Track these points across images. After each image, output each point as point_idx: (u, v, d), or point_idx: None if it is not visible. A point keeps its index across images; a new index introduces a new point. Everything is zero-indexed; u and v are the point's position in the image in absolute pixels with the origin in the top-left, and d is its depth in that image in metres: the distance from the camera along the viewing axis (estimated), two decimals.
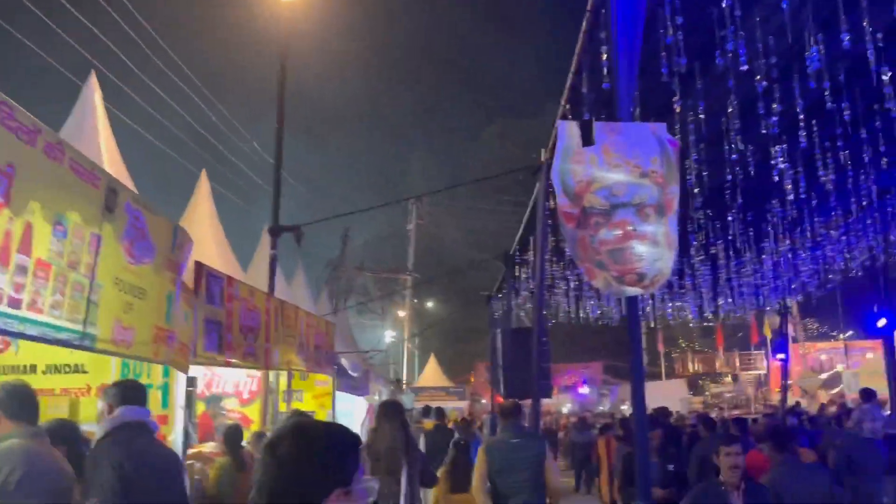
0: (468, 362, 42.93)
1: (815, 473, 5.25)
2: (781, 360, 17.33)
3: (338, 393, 11.54)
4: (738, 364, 35.38)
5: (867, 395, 10.17)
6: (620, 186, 3.93)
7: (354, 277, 24.59)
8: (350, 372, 11.57)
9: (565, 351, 44.87)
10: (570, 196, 3.86)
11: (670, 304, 18.01)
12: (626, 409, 34.16)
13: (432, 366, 34.80)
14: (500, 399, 12.32)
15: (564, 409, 40.65)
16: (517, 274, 13.30)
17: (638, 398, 4.38)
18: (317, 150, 47.01)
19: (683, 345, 40.91)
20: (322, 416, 10.80)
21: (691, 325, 42.49)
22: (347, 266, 24.11)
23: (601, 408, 40.48)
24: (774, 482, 4.73)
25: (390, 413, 5.91)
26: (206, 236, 8.97)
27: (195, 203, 9.39)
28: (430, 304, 32.62)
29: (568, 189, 3.85)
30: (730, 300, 17.25)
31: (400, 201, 16.03)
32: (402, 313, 28.82)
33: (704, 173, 7.02)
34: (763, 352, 34.09)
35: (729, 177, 6.96)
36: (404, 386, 24.13)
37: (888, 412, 11.65)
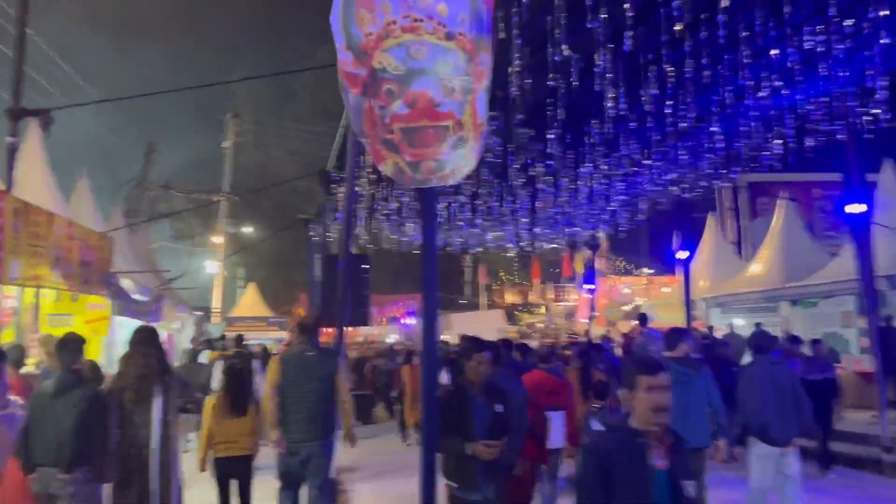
0: (294, 294, 41.50)
1: None
2: (589, 290, 18.04)
3: (121, 319, 10.13)
4: (551, 296, 37.24)
5: (642, 319, 10.62)
6: (420, 48, 3.12)
7: (160, 197, 22.27)
8: (135, 295, 10.16)
9: (395, 282, 44.89)
10: (354, 51, 2.99)
11: (489, 235, 18.02)
12: (448, 338, 34.96)
13: (252, 295, 33.00)
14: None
15: (389, 340, 40.82)
16: (335, 194, 12.35)
17: (429, 324, 3.57)
18: (124, 54, 42.03)
19: (504, 278, 42.38)
20: (96, 343, 9.38)
21: (511, 256, 44.17)
22: (151, 184, 21.77)
23: None
24: None
25: (143, 339, 5.27)
26: None
27: None
28: (249, 230, 30.50)
29: (352, 41, 2.98)
30: (547, 230, 17.55)
31: (209, 85, 13.93)
32: (218, 240, 26.71)
33: (527, 81, 6.46)
34: (574, 284, 36.12)
35: (551, 83, 6.45)
36: (215, 315, 22.51)
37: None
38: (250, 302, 32.93)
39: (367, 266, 16.45)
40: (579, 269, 33.58)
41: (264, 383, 6.10)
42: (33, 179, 10.02)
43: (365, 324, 17.42)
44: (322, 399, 5.74)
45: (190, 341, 17.29)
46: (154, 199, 22.22)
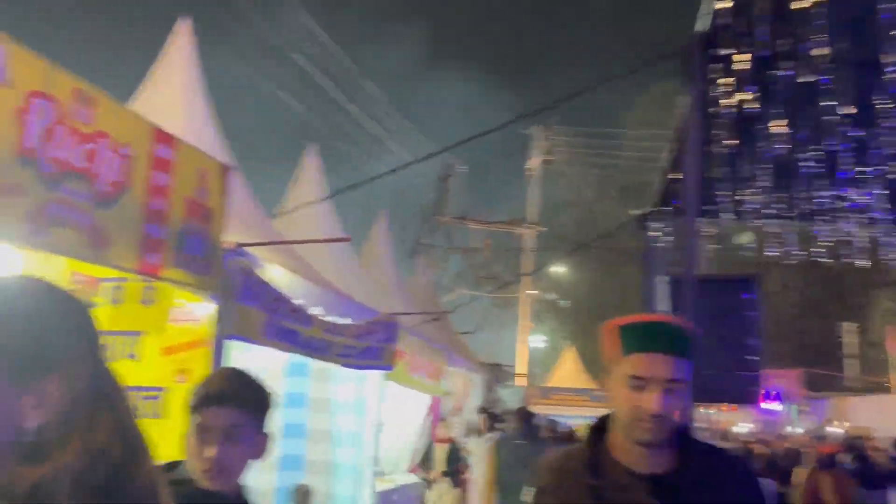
0: None
1: None
2: None
3: (263, 351, 4.93)
4: None
5: None
6: None
7: (454, 231, 17.89)
8: (317, 307, 4.89)
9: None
10: None
11: None
12: (834, 431, 24.78)
13: (570, 361, 27.08)
14: None
15: (741, 429, 31.17)
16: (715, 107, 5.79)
17: None
18: None
19: None
20: (178, 396, 4.20)
21: None
22: (445, 214, 17.49)
23: (790, 428, 30.73)
24: None
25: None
26: None
27: None
28: (561, 270, 24.60)
29: None
30: None
31: None
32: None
33: None
34: None
35: None
36: (516, 377, 16.94)
37: None
38: (568, 370, 27.03)
39: (754, 297, 9.37)
40: None
41: None
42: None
43: (751, 401, 10.19)
44: None
45: (477, 410, 11.90)
46: (448, 232, 17.86)
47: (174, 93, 5.42)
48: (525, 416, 6.89)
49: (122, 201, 3.26)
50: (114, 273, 4.21)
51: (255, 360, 6.38)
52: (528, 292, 21.03)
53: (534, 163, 19.29)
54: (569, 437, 9.83)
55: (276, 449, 6.56)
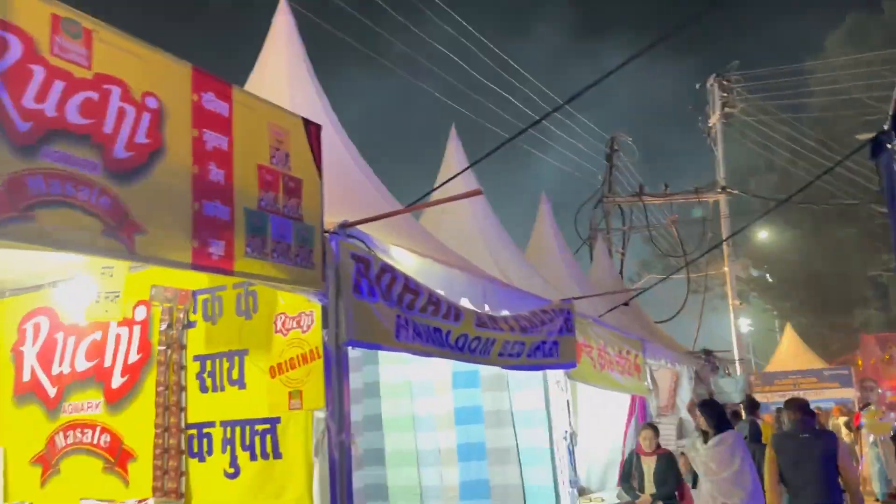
0: (848, 338, 30.38)
1: None
2: None
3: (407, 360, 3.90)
4: None
5: None
6: None
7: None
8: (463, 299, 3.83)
9: None
10: None
11: None
12: None
13: (791, 341, 23.76)
14: None
15: None
16: None
17: None
18: None
19: None
20: (296, 428, 3.24)
21: None
22: (614, 195, 15.93)
23: None
24: None
25: None
26: None
27: None
28: (763, 236, 21.35)
29: None
30: None
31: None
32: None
33: None
34: None
35: None
36: (735, 366, 14.75)
37: None
38: (788, 351, 23.74)
39: None
40: None
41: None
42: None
43: None
44: (823, 482, 5.44)
45: (686, 407, 10.14)
46: (625, 215, 16.23)
47: (281, 70, 4.71)
48: (801, 407, 5.73)
49: (156, 171, 2.39)
50: (205, 282, 3.41)
51: (414, 372, 5.43)
52: (732, 267, 18.56)
53: (714, 119, 16.96)
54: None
55: (454, 474, 5.55)
